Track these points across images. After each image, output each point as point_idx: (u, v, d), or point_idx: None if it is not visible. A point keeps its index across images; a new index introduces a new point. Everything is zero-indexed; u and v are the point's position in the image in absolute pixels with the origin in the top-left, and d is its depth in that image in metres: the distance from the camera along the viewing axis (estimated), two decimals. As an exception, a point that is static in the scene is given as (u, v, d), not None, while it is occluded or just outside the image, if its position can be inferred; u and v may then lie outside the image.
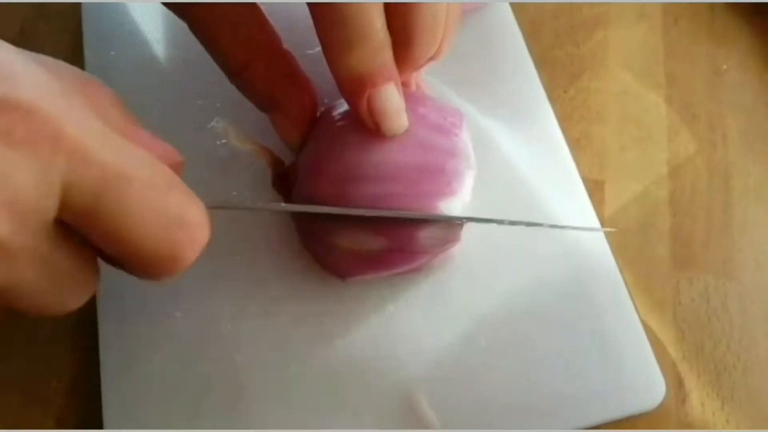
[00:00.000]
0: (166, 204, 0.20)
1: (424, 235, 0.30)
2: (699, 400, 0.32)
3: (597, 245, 0.33)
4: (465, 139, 0.31)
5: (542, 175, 0.35)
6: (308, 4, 0.26)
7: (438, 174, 0.29)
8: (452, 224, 0.30)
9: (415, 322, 0.32)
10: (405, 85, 0.32)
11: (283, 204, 0.31)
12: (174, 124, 0.34)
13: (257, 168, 0.33)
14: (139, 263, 0.20)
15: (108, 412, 0.30)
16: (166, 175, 0.20)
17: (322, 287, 0.32)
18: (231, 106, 0.33)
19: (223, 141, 0.33)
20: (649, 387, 0.31)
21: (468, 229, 0.31)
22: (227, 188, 0.34)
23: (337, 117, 0.31)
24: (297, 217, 0.32)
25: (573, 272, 0.33)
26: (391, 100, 0.27)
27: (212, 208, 0.22)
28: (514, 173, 0.35)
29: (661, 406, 0.31)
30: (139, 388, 0.31)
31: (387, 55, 0.27)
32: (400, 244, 0.30)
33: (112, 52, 0.38)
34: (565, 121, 0.37)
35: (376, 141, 0.29)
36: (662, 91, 0.40)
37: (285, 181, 0.32)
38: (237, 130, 0.30)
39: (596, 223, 0.34)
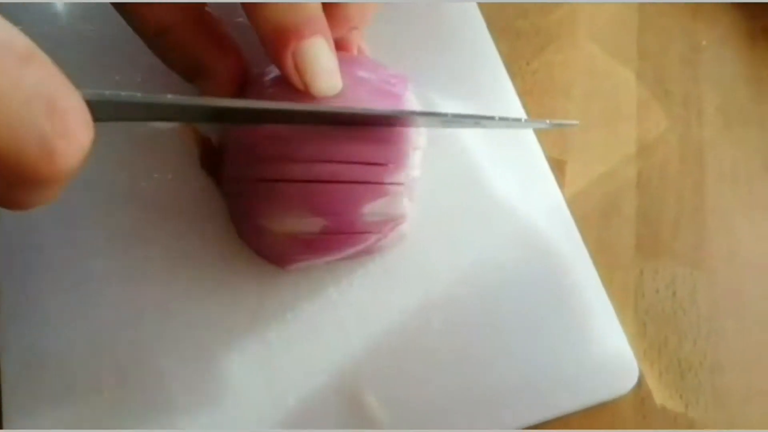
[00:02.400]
0: (20, 77, 0.16)
1: (368, 211, 0.26)
2: (660, 402, 0.29)
3: (561, 221, 0.31)
4: (411, 103, 0.28)
5: (500, 153, 0.32)
6: None
7: (382, 143, 0.26)
8: (398, 197, 0.27)
9: (362, 307, 0.29)
10: (344, 48, 0.29)
11: (188, 98, 0.23)
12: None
13: (182, 147, 0.30)
14: (4, 164, 0.16)
15: (8, 406, 0.27)
16: (24, 44, 0.16)
17: (258, 275, 0.29)
18: (152, 80, 0.30)
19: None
20: (621, 371, 0.28)
21: (417, 206, 0.28)
22: (149, 170, 0.31)
23: (267, 85, 0.28)
24: (230, 198, 0.29)
25: (535, 250, 0.30)
26: (319, 55, 0.24)
27: (92, 100, 0.18)
28: (468, 151, 0.32)
29: (619, 408, 0.28)
30: (47, 382, 0.27)
31: (314, 6, 0.24)
32: (340, 224, 0.26)
33: (20, 27, 0.35)
34: (526, 95, 0.34)
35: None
36: (633, 66, 0.37)
37: (214, 160, 0.29)
38: None
39: (563, 207, 0.31)
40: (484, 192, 0.31)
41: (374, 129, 0.26)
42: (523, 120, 0.27)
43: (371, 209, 0.26)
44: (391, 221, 0.27)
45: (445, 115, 0.26)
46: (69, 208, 0.30)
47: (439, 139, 0.31)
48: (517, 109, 0.33)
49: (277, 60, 0.25)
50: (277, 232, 0.27)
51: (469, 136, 0.32)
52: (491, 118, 0.27)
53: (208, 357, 0.28)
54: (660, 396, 0.29)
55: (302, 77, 0.24)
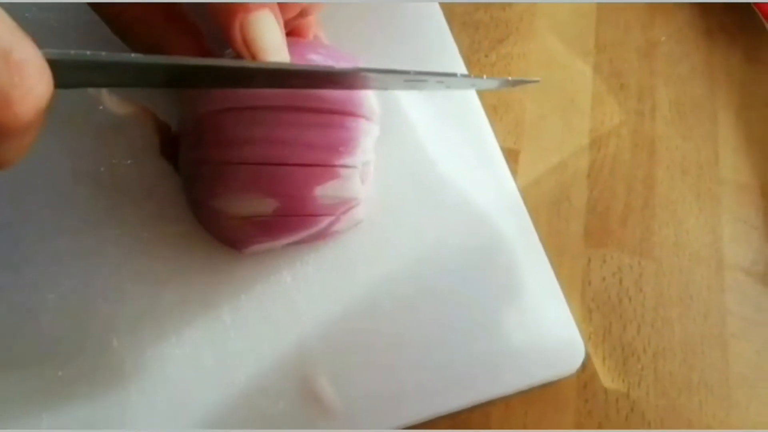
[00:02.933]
0: None
1: (320, 194, 0.27)
2: (602, 385, 0.30)
3: (513, 208, 0.31)
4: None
5: (454, 142, 0.32)
6: None
7: (334, 128, 0.27)
8: (350, 180, 0.27)
9: (314, 291, 0.29)
10: (299, 34, 0.29)
11: (151, 56, 0.22)
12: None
13: (142, 134, 0.30)
14: None
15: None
16: None
17: (212, 259, 0.29)
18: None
19: (101, 107, 0.30)
20: (568, 351, 0.29)
21: (372, 192, 0.29)
22: (107, 157, 0.31)
23: None
24: (187, 184, 0.29)
25: (487, 236, 0.31)
26: (267, 30, 0.25)
27: (58, 59, 0.18)
28: (422, 140, 0.32)
29: (562, 391, 0.29)
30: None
31: None
32: (292, 205, 0.27)
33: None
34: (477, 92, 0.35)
35: (263, 99, 0.26)
36: (590, 59, 0.37)
37: (173, 146, 0.29)
38: (114, 94, 0.27)
39: (515, 194, 0.32)
40: (437, 179, 0.31)
41: (326, 115, 0.27)
42: (484, 78, 0.27)
43: (323, 191, 0.27)
44: (344, 204, 0.27)
45: (407, 72, 0.24)
46: (25, 187, 0.30)
47: (393, 126, 0.31)
48: (473, 101, 0.34)
49: (226, 33, 0.25)
50: (231, 214, 0.27)
51: (422, 124, 0.32)
52: (453, 75, 0.26)
53: (161, 337, 0.28)
54: (603, 379, 0.30)
55: (250, 50, 0.25)
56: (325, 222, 0.28)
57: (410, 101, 0.33)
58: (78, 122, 0.30)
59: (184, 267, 0.29)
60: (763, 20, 0.37)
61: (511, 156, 0.34)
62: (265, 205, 0.26)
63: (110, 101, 0.26)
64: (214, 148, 0.27)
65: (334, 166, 0.26)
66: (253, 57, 0.24)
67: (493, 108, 0.35)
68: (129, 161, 0.31)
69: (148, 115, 0.28)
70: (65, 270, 0.29)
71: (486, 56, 0.37)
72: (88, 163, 0.30)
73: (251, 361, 0.28)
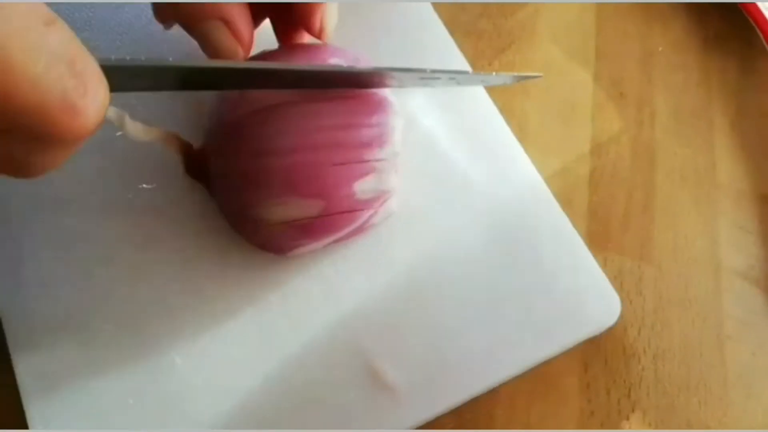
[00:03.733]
0: (45, 41, 0.17)
1: (359, 189, 0.27)
2: (604, 386, 0.30)
3: (535, 187, 0.33)
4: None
5: (473, 135, 0.34)
6: None
7: (364, 126, 0.28)
8: (386, 173, 0.28)
9: (359, 284, 0.30)
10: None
11: (189, 60, 0.25)
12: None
13: (162, 157, 0.30)
14: (29, 122, 0.17)
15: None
16: (46, 9, 0.17)
17: (253, 265, 0.30)
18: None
19: (118, 133, 0.30)
20: (604, 304, 0.30)
21: (403, 180, 0.30)
22: (133, 183, 0.31)
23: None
24: (221, 196, 0.29)
25: (515, 211, 0.32)
26: (219, 36, 0.26)
27: (104, 65, 0.19)
28: (442, 141, 0.33)
29: (565, 391, 0.30)
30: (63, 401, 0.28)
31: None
32: (334, 204, 0.27)
33: None
34: (487, 93, 0.36)
35: (287, 107, 0.27)
36: (590, 68, 0.38)
37: (198, 165, 0.29)
38: (136, 121, 0.27)
39: (538, 179, 0.33)
40: (459, 170, 0.33)
41: (355, 112, 0.28)
42: (493, 74, 0.29)
43: (362, 186, 0.27)
44: (381, 196, 0.29)
45: (423, 70, 0.27)
46: (56, 223, 0.30)
47: (413, 124, 0.33)
48: (487, 103, 0.34)
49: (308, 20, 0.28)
50: (273, 221, 0.27)
51: (440, 124, 0.33)
52: (465, 72, 0.29)
53: (220, 349, 0.29)
54: (605, 380, 0.30)
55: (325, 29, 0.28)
56: (365, 216, 0.29)
57: (424, 114, 0.34)
58: (98, 152, 0.31)
59: (229, 277, 0.30)
60: (759, 31, 0.38)
61: (515, 162, 0.34)
62: (308, 208, 0.27)
63: (133, 127, 0.27)
64: (247, 157, 0.27)
65: (369, 161, 0.28)
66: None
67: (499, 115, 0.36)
68: (154, 185, 0.31)
69: (172, 137, 0.28)
70: (115, 300, 0.29)
71: (489, 64, 0.38)
72: (115, 193, 0.31)
73: (312, 360, 0.29)
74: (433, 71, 0.27)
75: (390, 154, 0.28)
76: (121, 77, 0.21)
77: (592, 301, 0.30)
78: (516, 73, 0.30)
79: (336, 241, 0.29)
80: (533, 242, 0.31)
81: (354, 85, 0.28)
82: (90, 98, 0.18)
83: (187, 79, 0.25)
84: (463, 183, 0.32)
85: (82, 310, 0.29)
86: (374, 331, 0.29)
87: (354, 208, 0.28)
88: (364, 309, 0.30)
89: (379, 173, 0.28)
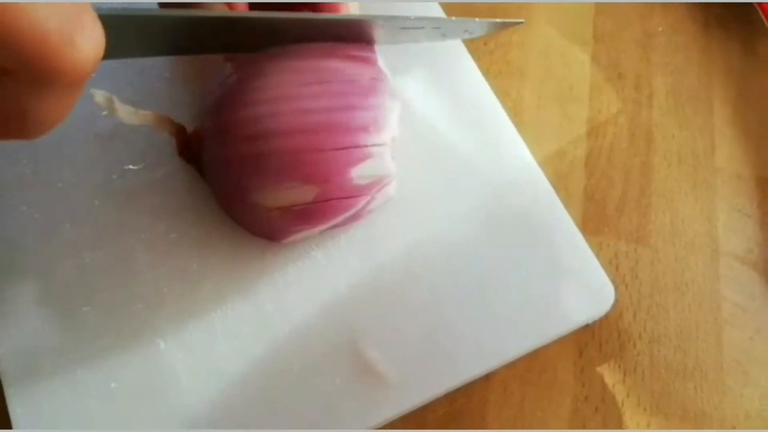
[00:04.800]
0: None
1: (357, 174, 0.27)
2: (599, 371, 0.30)
3: (531, 171, 0.32)
4: (382, 67, 0.29)
5: (469, 118, 0.33)
6: None
7: (361, 109, 0.27)
8: (383, 158, 0.27)
9: (350, 266, 0.30)
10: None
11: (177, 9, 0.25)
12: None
13: (145, 139, 0.30)
14: (30, 55, 0.17)
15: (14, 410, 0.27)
16: None
17: (242, 249, 0.29)
18: (109, 73, 0.30)
19: (104, 113, 0.29)
20: (599, 289, 0.30)
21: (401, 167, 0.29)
22: (118, 164, 0.31)
23: (239, 69, 0.28)
24: (215, 180, 0.28)
25: (508, 196, 0.31)
26: None
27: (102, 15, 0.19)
28: (438, 126, 0.33)
29: (559, 376, 0.29)
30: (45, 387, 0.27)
31: None
32: (332, 189, 0.27)
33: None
34: (483, 74, 0.35)
35: (282, 89, 0.26)
36: (588, 49, 0.37)
37: (192, 148, 0.29)
38: (127, 103, 0.26)
39: (533, 163, 0.32)
40: (455, 155, 0.32)
41: (351, 93, 0.27)
42: (476, 20, 0.29)
43: (359, 172, 0.27)
44: (379, 182, 0.28)
45: (407, 18, 0.27)
46: (42, 204, 0.30)
47: (410, 110, 0.32)
48: (483, 87, 0.34)
49: None
50: (270, 206, 0.27)
51: (436, 107, 0.33)
52: (449, 19, 0.29)
53: (206, 333, 0.28)
54: (600, 365, 0.30)
55: None
56: (362, 202, 0.28)
57: (419, 94, 0.33)
58: (81, 133, 0.31)
59: (217, 261, 0.29)
60: (760, 13, 0.37)
61: (510, 144, 0.34)
62: (305, 193, 0.26)
63: (123, 111, 0.26)
64: (243, 142, 0.26)
65: (367, 146, 0.27)
66: None
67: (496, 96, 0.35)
68: (141, 165, 0.31)
69: (164, 120, 0.28)
70: (98, 282, 0.29)
71: (485, 44, 0.37)
72: (99, 174, 0.30)
73: (299, 345, 0.28)
74: (417, 18, 0.27)
75: (387, 138, 0.27)
76: (112, 33, 0.20)
77: (586, 289, 0.30)
78: (498, 20, 0.29)
79: (332, 227, 0.29)
80: (528, 230, 0.31)
81: (337, 37, 0.27)
82: (87, 35, 0.18)
83: (174, 34, 0.24)
84: (458, 170, 0.32)
85: (65, 294, 0.28)
86: (365, 317, 0.29)
87: (351, 194, 0.27)
88: (355, 295, 0.29)
89: (377, 158, 0.27)
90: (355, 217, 0.29)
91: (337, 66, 0.28)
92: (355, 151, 0.27)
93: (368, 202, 0.28)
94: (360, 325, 0.28)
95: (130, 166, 0.31)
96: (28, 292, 0.28)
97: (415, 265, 0.30)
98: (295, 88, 0.27)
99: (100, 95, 0.25)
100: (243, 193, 0.27)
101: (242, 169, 0.27)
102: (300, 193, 0.26)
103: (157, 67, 0.32)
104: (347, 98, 0.27)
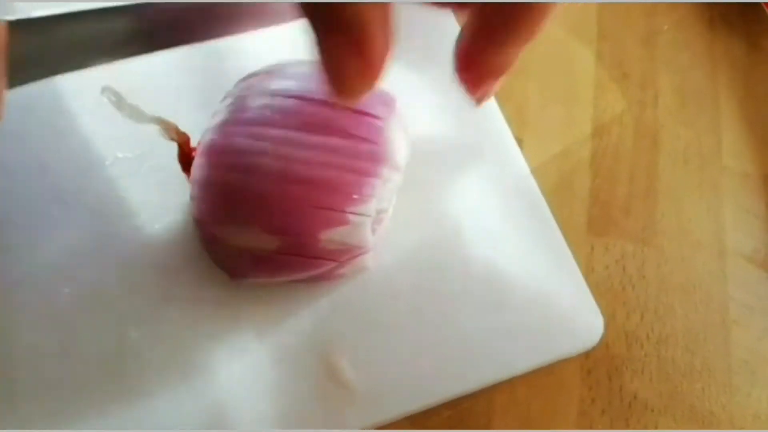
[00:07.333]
0: None
1: (326, 238, 0.25)
2: (606, 373, 0.30)
3: (523, 185, 0.32)
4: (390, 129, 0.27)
5: (467, 127, 0.33)
6: None
7: (352, 172, 0.26)
8: (360, 228, 0.26)
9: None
10: None
11: None
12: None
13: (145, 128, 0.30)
14: None
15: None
16: None
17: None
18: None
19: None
20: (586, 324, 0.29)
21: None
22: (112, 150, 0.31)
23: (248, 93, 0.27)
24: (194, 198, 0.27)
25: (497, 213, 0.31)
26: None
27: None
28: (438, 128, 0.32)
29: (566, 378, 0.29)
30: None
31: None
32: (295, 246, 0.25)
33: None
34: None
35: (285, 131, 0.25)
36: (593, 47, 0.37)
37: (188, 160, 0.28)
38: (130, 103, 0.26)
39: (527, 175, 0.32)
40: (444, 176, 0.31)
41: (345, 158, 0.25)
42: None
43: (330, 236, 0.25)
44: (350, 251, 0.26)
45: None
46: (30, 183, 0.30)
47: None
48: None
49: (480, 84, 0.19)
50: (231, 243, 0.26)
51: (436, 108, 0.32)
52: None
53: (178, 326, 0.28)
54: (607, 366, 0.30)
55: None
56: (327, 266, 0.27)
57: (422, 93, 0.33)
58: (78, 117, 0.31)
59: (196, 256, 0.29)
60: (766, 9, 0.37)
61: (514, 144, 0.34)
62: (267, 241, 0.25)
63: (130, 110, 0.26)
64: (225, 171, 0.26)
65: (344, 212, 0.25)
66: None
67: (495, 96, 0.35)
68: (136, 153, 0.31)
69: (170, 127, 0.27)
70: (78, 263, 0.29)
71: (488, 45, 0.37)
72: (93, 158, 0.30)
73: (272, 345, 0.28)
74: None
75: (371, 210, 0.26)
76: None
77: (576, 319, 0.29)
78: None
79: (296, 281, 0.28)
80: (519, 250, 0.30)
81: None
82: None
83: None
84: (449, 188, 0.31)
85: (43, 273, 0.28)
86: (339, 326, 0.28)
87: (317, 255, 0.26)
88: (331, 303, 0.28)
89: (354, 227, 0.25)
90: (322, 277, 0.28)
91: (348, 121, 0.26)
92: (331, 214, 0.25)
93: (335, 268, 0.27)
94: (333, 334, 0.28)
95: (124, 154, 0.31)
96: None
97: (396, 277, 0.29)
98: (294, 132, 0.25)
99: (108, 91, 0.25)
100: (210, 221, 0.26)
101: (213, 197, 0.26)
102: (262, 240, 0.25)
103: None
104: (342, 157, 0.25)
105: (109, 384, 0.27)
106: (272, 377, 0.27)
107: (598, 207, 0.33)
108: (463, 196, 0.31)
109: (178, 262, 0.29)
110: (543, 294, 0.29)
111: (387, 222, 0.29)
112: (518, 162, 0.32)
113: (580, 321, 0.29)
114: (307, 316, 0.29)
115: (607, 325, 0.30)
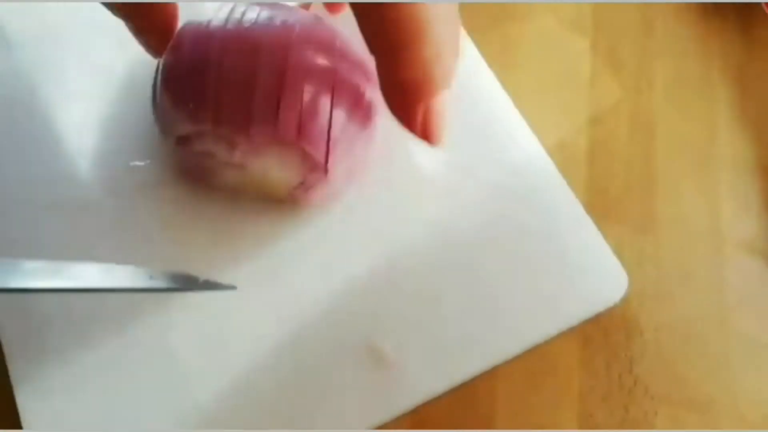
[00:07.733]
0: None
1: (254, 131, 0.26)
2: (605, 361, 0.30)
3: (538, 157, 0.32)
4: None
5: (473, 116, 0.33)
6: None
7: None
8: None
9: (360, 262, 0.29)
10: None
11: None
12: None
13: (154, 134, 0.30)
14: None
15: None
16: None
17: (248, 238, 0.30)
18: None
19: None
20: (611, 278, 0.30)
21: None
22: (124, 158, 0.31)
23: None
24: (158, 83, 0.28)
25: (519, 188, 0.31)
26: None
27: None
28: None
29: (565, 368, 0.29)
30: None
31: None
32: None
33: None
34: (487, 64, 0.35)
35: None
36: (588, 37, 0.37)
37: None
38: None
39: (540, 150, 0.32)
40: (461, 145, 0.32)
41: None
42: None
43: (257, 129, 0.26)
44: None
45: None
46: (60, 206, 0.30)
47: None
48: (487, 74, 0.33)
49: (404, 112, 0.22)
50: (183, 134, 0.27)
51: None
52: None
53: (206, 319, 0.28)
54: (606, 354, 0.30)
55: (431, 131, 0.22)
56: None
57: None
58: (92, 128, 0.31)
59: (220, 251, 0.29)
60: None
61: (511, 134, 0.33)
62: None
63: None
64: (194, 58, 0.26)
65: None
66: (431, 137, 0.22)
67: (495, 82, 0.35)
68: (147, 161, 0.31)
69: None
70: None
71: (484, 34, 0.37)
72: (109, 169, 0.31)
73: (308, 338, 0.28)
74: None
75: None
76: None
77: (599, 277, 0.29)
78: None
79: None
80: (538, 219, 0.30)
81: None
82: None
83: None
84: (465, 160, 0.31)
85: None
86: (374, 308, 0.29)
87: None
88: (363, 286, 0.29)
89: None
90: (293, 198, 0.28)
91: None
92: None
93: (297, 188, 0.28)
94: (372, 318, 0.28)
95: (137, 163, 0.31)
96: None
97: (422, 258, 0.29)
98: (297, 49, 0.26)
99: None
100: (163, 105, 0.27)
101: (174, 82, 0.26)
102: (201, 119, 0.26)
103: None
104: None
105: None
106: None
107: (595, 196, 0.33)
108: (478, 171, 0.31)
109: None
110: (564, 257, 0.30)
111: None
112: (530, 137, 0.32)
113: (605, 276, 0.30)
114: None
115: (604, 314, 0.30)
